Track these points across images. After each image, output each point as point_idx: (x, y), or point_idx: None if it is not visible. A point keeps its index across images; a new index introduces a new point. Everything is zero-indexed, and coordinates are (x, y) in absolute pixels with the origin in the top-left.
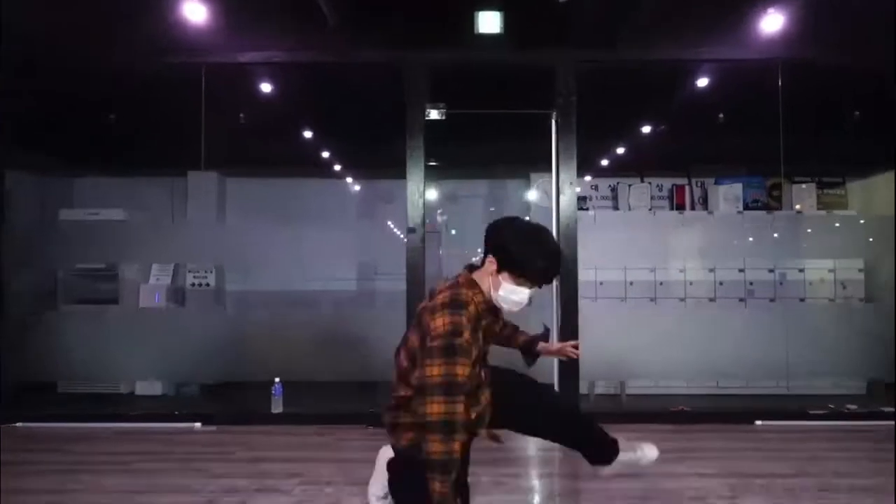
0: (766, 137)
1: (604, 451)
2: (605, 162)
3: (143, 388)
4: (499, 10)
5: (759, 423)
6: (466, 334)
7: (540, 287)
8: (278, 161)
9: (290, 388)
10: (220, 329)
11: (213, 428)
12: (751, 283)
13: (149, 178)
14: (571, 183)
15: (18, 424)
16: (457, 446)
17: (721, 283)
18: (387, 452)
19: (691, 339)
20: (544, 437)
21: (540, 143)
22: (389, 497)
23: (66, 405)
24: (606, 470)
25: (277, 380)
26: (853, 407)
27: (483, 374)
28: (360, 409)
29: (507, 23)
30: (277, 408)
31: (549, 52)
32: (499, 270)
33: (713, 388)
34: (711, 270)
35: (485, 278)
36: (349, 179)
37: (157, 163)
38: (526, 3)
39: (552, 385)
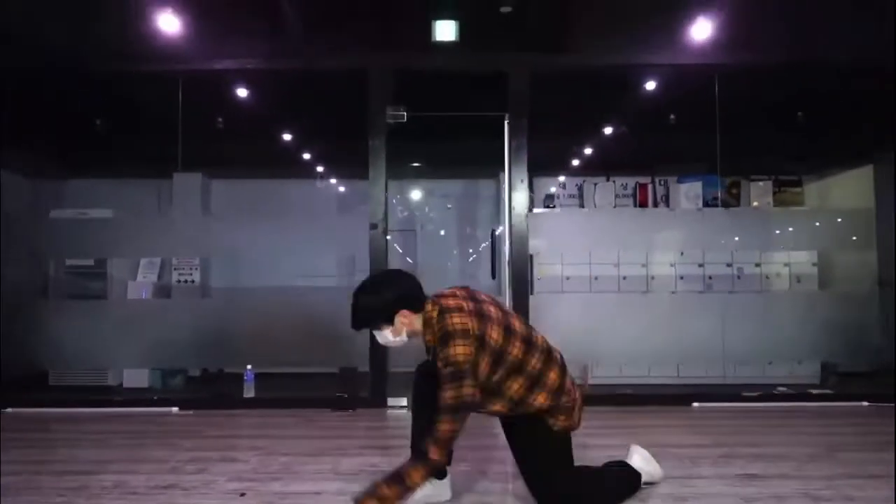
0: (725, 138)
1: None
2: (576, 162)
3: (130, 380)
4: (454, 18)
5: (695, 404)
6: None
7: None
8: (258, 163)
9: (270, 378)
10: (205, 321)
11: (190, 412)
12: (710, 277)
13: (136, 180)
14: (522, 181)
15: (8, 410)
16: None
17: (682, 277)
18: None
19: (653, 330)
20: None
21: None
22: None
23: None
24: None
25: (249, 367)
26: (783, 389)
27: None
28: (329, 395)
29: (462, 30)
30: (249, 393)
31: (500, 58)
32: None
33: (674, 378)
34: (672, 265)
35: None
36: (331, 180)
37: (143, 165)
38: (479, 11)
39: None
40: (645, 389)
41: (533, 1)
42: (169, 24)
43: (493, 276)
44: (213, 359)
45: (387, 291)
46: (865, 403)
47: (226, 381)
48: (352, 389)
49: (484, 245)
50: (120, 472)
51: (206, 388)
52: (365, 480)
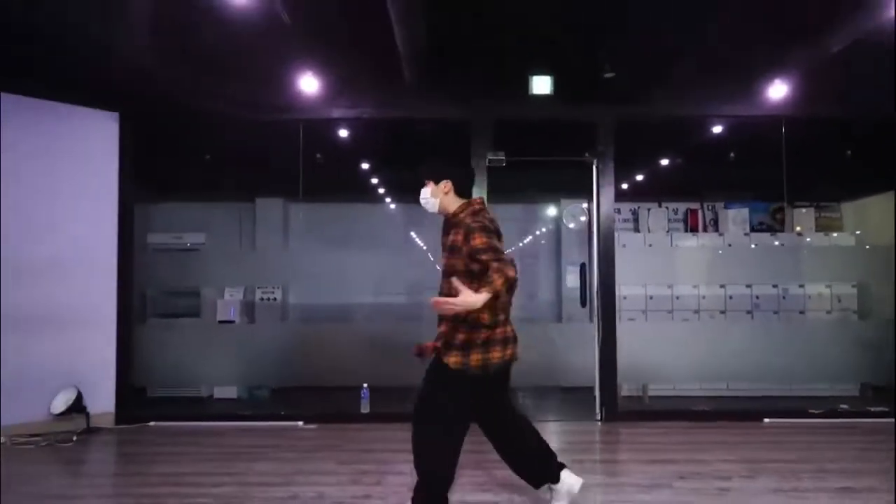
0: (771, 170)
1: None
2: (625, 186)
3: (220, 391)
4: (549, 74)
5: (766, 420)
6: None
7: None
8: (339, 189)
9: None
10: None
11: (314, 426)
12: (757, 297)
13: (220, 204)
14: (609, 217)
15: (152, 423)
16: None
17: (731, 297)
18: None
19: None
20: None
21: (570, 173)
22: None
23: (168, 408)
24: None
25: (365, 385)
26: (846, 406)
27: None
28: None
29: (555, 85)
30: (365, 408)
31: (591, 111)
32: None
33: (723, 391)
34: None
35: None
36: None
37: (230, 190)
38: (572, 68)
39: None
40: (700, 401)
41: (623, 61)
42: (300, 81)
43: (583, 304)
44: (295, 376)
45: (455, 168)
46: None
47: (304, 394)
48: None
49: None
50: (309, 483)
51: (290, 401)
52: (523, 491)
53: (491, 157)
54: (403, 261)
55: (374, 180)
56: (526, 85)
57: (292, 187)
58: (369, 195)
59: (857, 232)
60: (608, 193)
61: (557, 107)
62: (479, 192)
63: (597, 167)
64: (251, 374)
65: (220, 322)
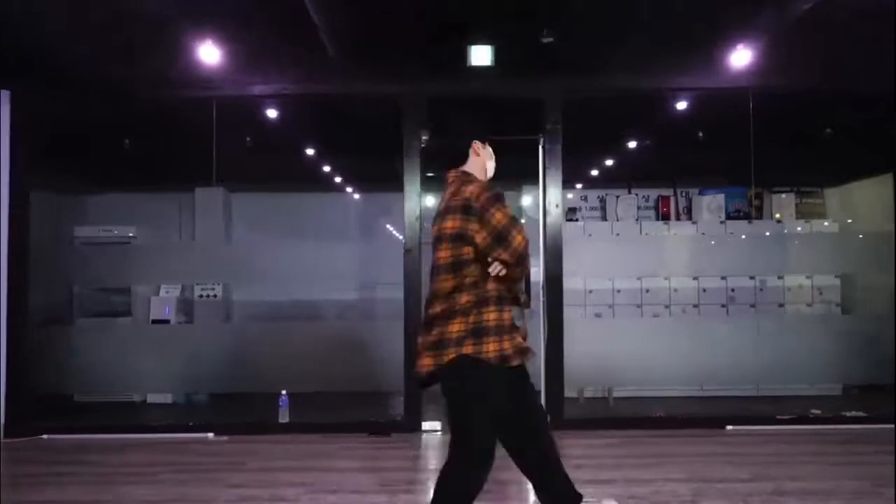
0: (746, 151)
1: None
2: (594, 172)
3: (154, 396)
4: (490, 44)
5: (729, 427)
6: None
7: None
8: (281, 177)
9: (295, 399)
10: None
11: (225, 438)
12: (732, 290)
13: (157, 195)
14: (557, 205)
15: (44, 437)
16: None
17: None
18: None
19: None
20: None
21: (531, 157)
22: None
23: (85, 415)
24: None
25: (284, 392)
26: (817, 412)
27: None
28: (363, 418)
29: (497, 56)
30: (284, 418)
31: (536, 84)
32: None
33: (696, 391)
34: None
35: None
36: (350, 193)
37: (165, 180)
38: (515, 37)
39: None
40: (670, 403)
41: (571, 28)
42: (209, 54)
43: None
44: (236, 381)
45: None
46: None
47: (248, 400)
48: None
49: None
50: None
51: (230, 408)
52: None
53: (426, 137)
54: (358, 254)
55: (327, 168)
56: (464, 55)
57: (235, 176)
58: (318, 183)
59: (850, 220)
60: (556, 176)
61: (499, 79)
62: (412, 176)
63: (543, 147)
64: (187, 378)
65: (154, 322)
